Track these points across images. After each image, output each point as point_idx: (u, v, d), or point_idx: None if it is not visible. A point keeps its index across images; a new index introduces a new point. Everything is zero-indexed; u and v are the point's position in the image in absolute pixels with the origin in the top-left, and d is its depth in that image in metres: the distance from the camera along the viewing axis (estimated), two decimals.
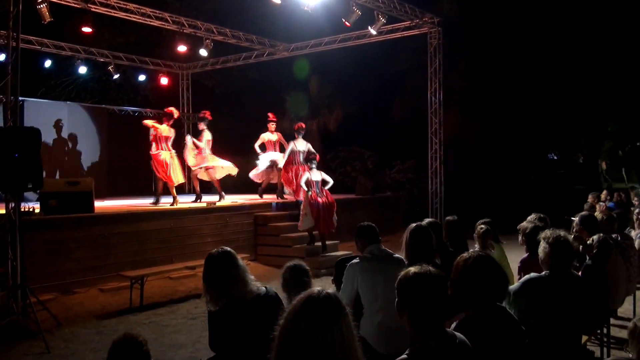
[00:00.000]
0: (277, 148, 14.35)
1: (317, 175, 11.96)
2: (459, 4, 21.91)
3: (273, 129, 14.43)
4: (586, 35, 20.98)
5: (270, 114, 14.60)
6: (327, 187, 12.25)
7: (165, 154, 12.56)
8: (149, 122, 12.88)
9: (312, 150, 13.23)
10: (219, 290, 3.65)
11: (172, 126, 13.02)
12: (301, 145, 13.36)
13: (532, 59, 21.58)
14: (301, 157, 13.19)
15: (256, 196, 15.02)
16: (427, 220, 5.76)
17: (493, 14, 21.56)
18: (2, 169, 7.46)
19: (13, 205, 8.01)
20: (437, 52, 15.55)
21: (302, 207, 11.97)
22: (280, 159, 13.74)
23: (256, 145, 14.47)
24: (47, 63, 17.68)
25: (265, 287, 3.84)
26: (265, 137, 14.43)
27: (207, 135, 13.67)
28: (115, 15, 14.85)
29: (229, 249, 3.83)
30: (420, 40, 16.83)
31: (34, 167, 7.71)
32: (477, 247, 6.10)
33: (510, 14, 21.42)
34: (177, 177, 12.66)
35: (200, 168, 13.54)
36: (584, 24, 20.95)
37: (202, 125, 13.79)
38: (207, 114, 13.87)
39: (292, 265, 4.24)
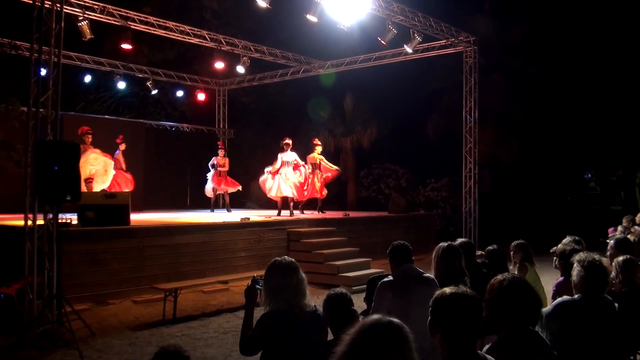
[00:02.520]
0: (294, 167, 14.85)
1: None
2: (496, 22, 21.75)
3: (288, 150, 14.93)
4: (625, 54, 20.62)
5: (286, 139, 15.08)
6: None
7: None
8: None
9: (299, 160, 14.76)
10: (280, 296, 3.68)
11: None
12: (288, 156, 14.65)
13: (569, 78, 21.26)
14: (288, 167, 14.52)
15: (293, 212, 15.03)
16: (460, 240, 5.68)
17: (530, 32, 21.34)
18: (42, 181, 7.61)
19: (51, 216, 8.15)
20: (472, 70, 15.46)
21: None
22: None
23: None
24: (87, 78, 18.10)
25: (315, 306, 3.84)
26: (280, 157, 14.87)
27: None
28: (155, 32, 15.14)
29: (293, 259, 3.86)
30: (455, 58, 16.76)
31: (72, 180, 7.85)
32: (511, 267, 5.99)
33: (548, 32, 21.17)
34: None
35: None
36: (626, 42, 20.60)
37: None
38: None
39: (334, 298, 4.10)
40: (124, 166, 15.19)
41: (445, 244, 4.78)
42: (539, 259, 6.90)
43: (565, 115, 21.53)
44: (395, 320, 2.17)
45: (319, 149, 15.74)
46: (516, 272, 6.05)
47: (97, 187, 13.53)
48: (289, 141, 14.81)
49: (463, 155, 15.67)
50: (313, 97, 22.55)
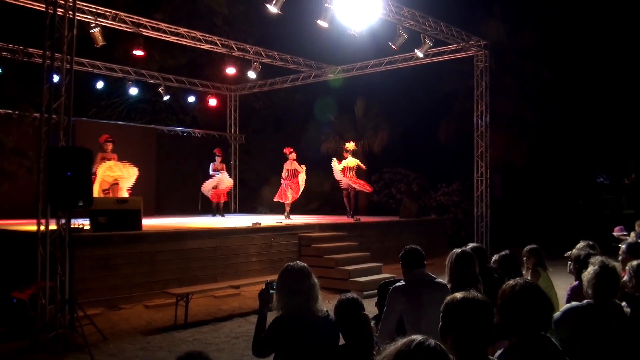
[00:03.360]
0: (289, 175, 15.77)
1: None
2: (507, 26, 21.67)
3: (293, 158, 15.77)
4: (637, 58, 20.47)
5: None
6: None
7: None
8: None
9: (298, 167, 15.60)
10: (293, 300, 3.71)
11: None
12: (288, 165, 15.74)
13: (582, 81, 21.14)
14: (287, 174, 15.70)
15: (301, 217, 15.30)
16: (471, 245, 5.66)
17: (542, 35, 21.23)
18: (55, 186, 7.66)
19: (64, 221, 8.20)
20: (483, 74, 15.41)
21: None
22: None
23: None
24: (99, 84, 18.22)
25: (327, 311, 3.86)
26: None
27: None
28: (166, 39, 15.22)
29: (305, 264, 3.90)
30: (466, 62, 16.71)
31: (84, 186, 7.90)
32: (524, 272, 5.94)
33: (559, 35, 21.07)
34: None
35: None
36: (637, 46, 20.45)
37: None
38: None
39: (345, 303, 3.97)
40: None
41: (458, 250, 4.77)
42: (552, 263, 6.83)
43: (577, 119, 21.39)
44: (432, 341, 2.09)
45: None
46: (529, 277, 6.01)
47: (124, 191, 13.56)
48: (285, 151, 15.81)
49: (474, 160, 15.60)
50: (321, 101, 22.55)
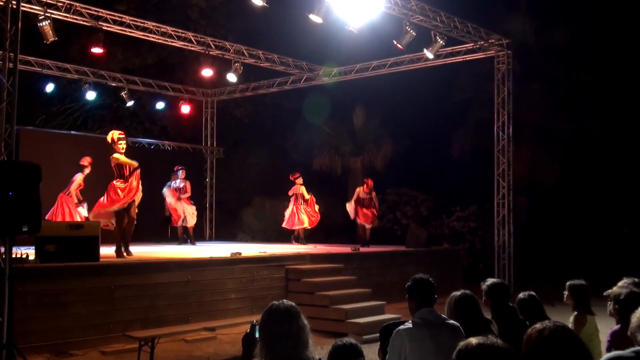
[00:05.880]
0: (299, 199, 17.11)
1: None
2: (534, 22, 21.78)
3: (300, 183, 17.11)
4: None
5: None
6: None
7: None
8: None
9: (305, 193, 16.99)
10: (278, 347, 3.69)
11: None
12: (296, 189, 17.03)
13: (621, 87, 21.21)
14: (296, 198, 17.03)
15: (289, 245, 15.48)
16: (491, 280, 5.65)
17: (575, 33, 21.33)
18: None
19: (3, 250, 8.10)
20: (505, 78, 15.48)
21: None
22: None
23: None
24: (49, 87, 18.19)
25: (319, 358, 3.85)
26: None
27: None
28: (131, 34, 15.24)
29: (293, 303, 3.89)
30: (485, 64, 16.79)
31: (31, 208, 7.82)
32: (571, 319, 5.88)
33: (596, 33, 21.17)
34: None
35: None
36: None
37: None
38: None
39: (342, 349, 4.03)
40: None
41: (458, 293, 4.91)
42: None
43: (617, 131, 21.43)
44: None
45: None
46: (571, 321, 5.97)
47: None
48: (291, 177, 17.14)
49: (495, 179, 15.61)
50: (312, 100, 22.56)
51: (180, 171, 16.89)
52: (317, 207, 16.97)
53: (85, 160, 14.76)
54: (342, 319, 11.53)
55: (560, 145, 21.44)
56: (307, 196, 16.83)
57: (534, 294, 5.94)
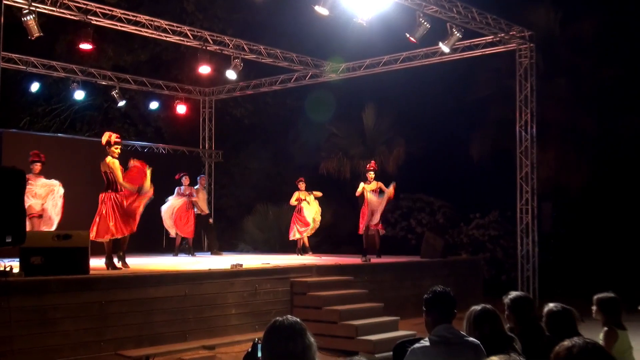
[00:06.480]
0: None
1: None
2: (559, 12, 21.76)
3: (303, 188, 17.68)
4: None
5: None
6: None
7: None
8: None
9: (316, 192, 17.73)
10: None
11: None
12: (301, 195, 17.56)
13: None
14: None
15: (293, 256, 15.60)
16: (514, 293, 5.64)
17: (605, 24, 21.28)
18: None
19: None
20: (528, 73, 15.48)
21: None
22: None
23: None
24: (34, 87, 18.23)
25: None
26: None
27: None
28: (122, 29, 15.29)
29: (298, 319, 3.85)
30: (506, 59, 16.79)
31: (14, 217, 7.86)
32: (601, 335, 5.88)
33: (628, 24, 21.10)
34: None
35: None
36: None
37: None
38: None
39: None
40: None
41: (478, 307, 4.90)
42: (623, 318, 6.73)
43: None
44: None
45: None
46: (601, 338, 5.96)
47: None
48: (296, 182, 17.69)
49: (517, 183, 15.61)
50: (316, 98, 22.58)
51: (184, 177, 17.10)
52: (306, 209, 17.37)
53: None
54: (352, 336, 11.51)
55: (589, 146, 21.37)
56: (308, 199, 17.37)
57: (567, 306, 5.88)
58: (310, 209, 17.32)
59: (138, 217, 12.19)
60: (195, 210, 17.04)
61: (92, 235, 11.59)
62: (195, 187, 17.33)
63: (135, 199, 12.04)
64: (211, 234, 18.56)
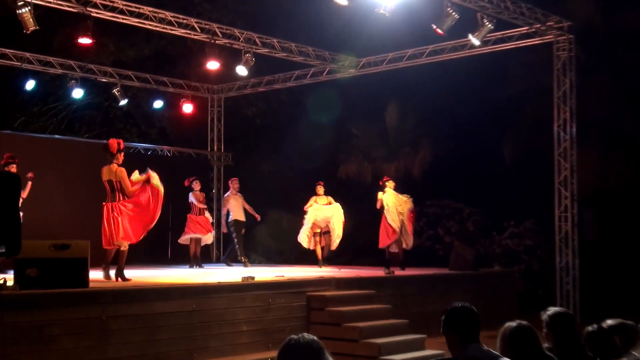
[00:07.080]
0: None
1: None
2: (601, 1, 21.67)
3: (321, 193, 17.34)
4: None
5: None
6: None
7: None
8: None
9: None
10: None
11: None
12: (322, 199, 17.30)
13: None
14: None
15: (309, 268, 15.97)
16: (553, 309, 5.60)
17: None
18: None
19: None
20: (567, 68, 15.43)
21: None
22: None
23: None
24: (29, 84, 18.35)
25: None
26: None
27: None
28: (124, 21, 15.34)
29: (315, 337, 3.83)
30: (542, 52, 16.73)
31: (9, 226, 7.89)
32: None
33: None
34: None
35: None
36: None
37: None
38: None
39: None
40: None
41: (513, 324, 4.87)
42: None
43: None
44: None
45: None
46: None
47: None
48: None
49: (555, 188, 15.55)
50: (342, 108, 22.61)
51: (194, 182, 17.31)
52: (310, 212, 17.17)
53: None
54: (374, 356, 11.50)
55: (635, 147, 21.28)
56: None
57: (613, 323, 5.82)
58: (314, 212, 16.95)
59: (154, 211, 12.31)
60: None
61: (104, 243, 11.86)
62: (226, 195, 17.98)
63: (143, 192, 12.23)
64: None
